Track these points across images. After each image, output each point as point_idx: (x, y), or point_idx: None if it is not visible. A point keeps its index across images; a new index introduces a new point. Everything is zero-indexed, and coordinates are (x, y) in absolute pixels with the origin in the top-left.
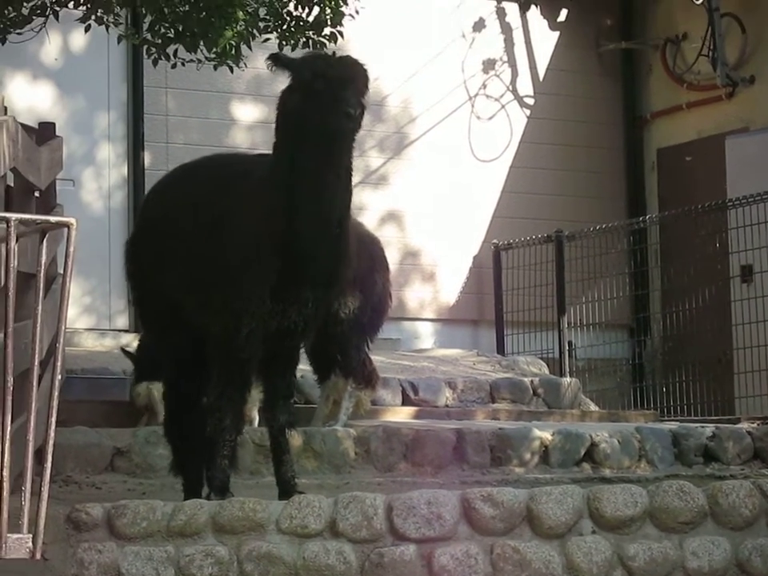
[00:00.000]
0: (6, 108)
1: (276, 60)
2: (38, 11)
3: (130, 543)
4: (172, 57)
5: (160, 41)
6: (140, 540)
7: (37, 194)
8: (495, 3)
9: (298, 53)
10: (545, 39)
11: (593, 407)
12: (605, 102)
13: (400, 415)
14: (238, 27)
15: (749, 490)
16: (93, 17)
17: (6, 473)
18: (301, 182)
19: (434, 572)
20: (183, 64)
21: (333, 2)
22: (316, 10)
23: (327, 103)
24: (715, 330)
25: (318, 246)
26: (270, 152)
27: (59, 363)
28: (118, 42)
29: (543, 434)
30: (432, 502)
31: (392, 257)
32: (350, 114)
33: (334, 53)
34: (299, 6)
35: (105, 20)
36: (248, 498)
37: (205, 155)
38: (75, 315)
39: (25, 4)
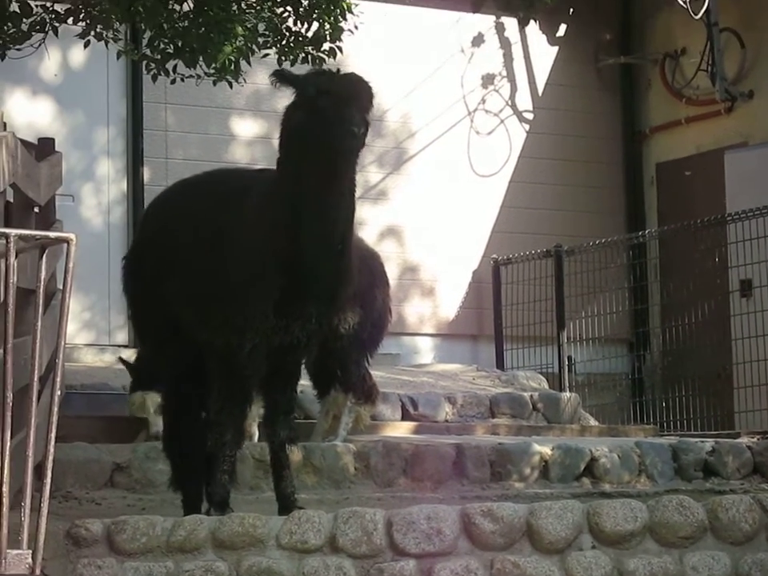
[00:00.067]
0: (5, 123)
1: (280, 76)
2: (38, 27)
3: (129, 559)
4: (171, 72)
5: (159, 56)
6: (140, 556)
7: (36, 209)
8: (494, 18)
9: (298, 68)
10: (544, 54)
11: (592, 422)
12: (604, 116)
13: (400, 430)
14: (237, 43)
15: (749, 505)
16: (92, 33)
17: (5, 488)
18: (305, 198)
19: None
20: (182, 79)
21: (332, 18)
22: (315, 25)
23: (331, 121)
24: (715, 344)
25: (321, 262)
26: (271, 167)
27: (59, 379)
28: (118, 58)
29: (543, 448)
30: (432, 517)
31: (391, 272)
32: (354, 133)
33: (338, 69)
34: (298, 22)
35: (104, 36)
36: (248, 513)
37: (205, 170)
38: (75, 331)
39: (24, 20)
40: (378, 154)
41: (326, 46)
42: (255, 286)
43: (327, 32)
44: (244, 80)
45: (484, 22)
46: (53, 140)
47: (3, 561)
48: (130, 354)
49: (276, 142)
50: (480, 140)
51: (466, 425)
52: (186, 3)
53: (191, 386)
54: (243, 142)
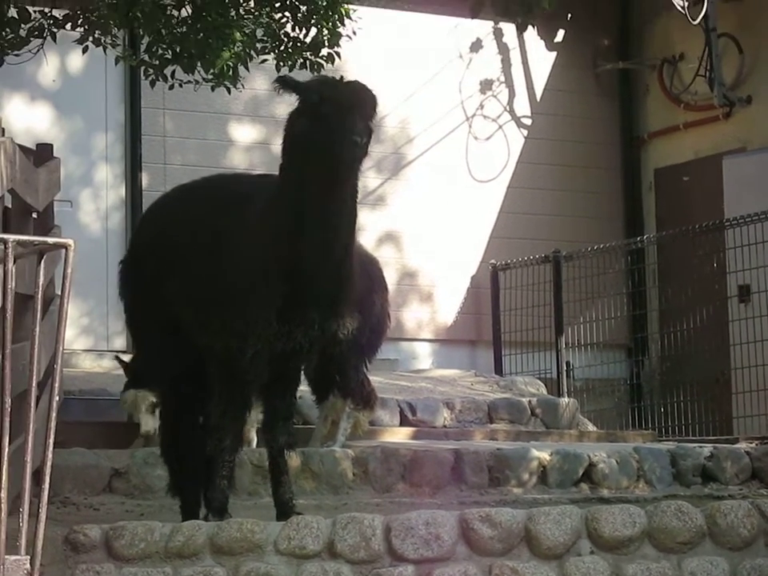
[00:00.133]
0: (3, 129)
1: (283, 83)
2: (36, 33)
3: (128, 564)
4: (169, 78)
5: (157, 62)
6: (138, 561)
7: (34, 215)
8: (492, 24)
9: (296, 74)
10: (542, 60)
11: (591, 427)
12: (602, 122)
13: (398, 436)
14: (236, 48)
15: (747, 510)
16: (90, 38)
17: (3, 494)
18: (307, 205)
19: None
20: (181, 85)
21: (330, 23)
22: (313, 31)
23: (334, 129)
24: (713, 349)
25: (324, 268)
26: (271, 173)
27: (57, 384)
28: (116, 64)
29: (541, 454)
30: (430, 523)
31: (390, 277)
32: (356, 142)
33: (341, 77)
34: (296, 27)
35: (102, 41)
36: (246, 518)
37: (204, 176)
38: (73, 336)
39: (23, 26)
40: (376, 159)
41: (325, 51)
42: (258, 292)
43: (325, 37)
44: (242, 85)
45: (482, 28)
46: (51, 146)
47: (1, 566)
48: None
49: (274, 148)
50: (478, 145)
51: (465, 430)
52: (184, 9)
53: (189, 391)
54: (241, 147)
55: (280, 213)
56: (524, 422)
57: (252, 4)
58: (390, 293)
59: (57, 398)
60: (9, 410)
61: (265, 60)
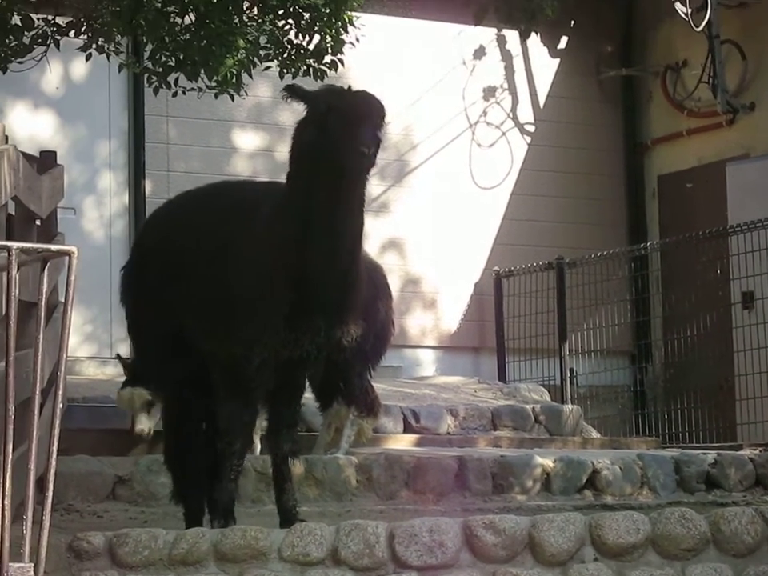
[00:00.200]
0: (7, 137)
1: (291, 92)
2: (39, 40)
3: (131, 572)
4: (173, 85)
5: (161, 69)
6: (142, 569)
7: (38, 222)
8: (495, 31)
9: (300, 81)
10: (545, 66)
11: (594, 434)
12: (605, 128)
13: (402, 443)
14: (239, 55)
15: (751, 517)
16: (94, 45)
17: (7, 501)
18: (314, 213)
19: None
20: (184, 92)
21: (333, 30)
22: (317, 38)
23: (341, 140)
24: (717, 356)
25: (331, 276)
26: (276, 180)
27: (60, 392)
28: (119, 71)
29: (545, 461)
30: (434, 530)
31: (393, 284)
32: (364, 153)
33: (349, 87)
34: (300, 34)
35: (106, 49)
36: (250, 526)
37: (208, 183)
38: (76, 344)
39: (26, 33)
40: (379, 166)
41: (328, 58)
42: (265, 300)
43: (329, 45)
44: (245, 93)
45: (485, 35)
46: (54, 153)
47: (5, 574)
48: None
49: (278, 155)
50: (481, 152)
51: (468, 437)
52: (187, 16)
53: (192, 397)
54: (245, 154)
55: (287, 221)
56: (528, 429)
57: (255, 11)
58: (394, 300)
59: (60, 406)
60: (12, 417)
61: (268, 67)
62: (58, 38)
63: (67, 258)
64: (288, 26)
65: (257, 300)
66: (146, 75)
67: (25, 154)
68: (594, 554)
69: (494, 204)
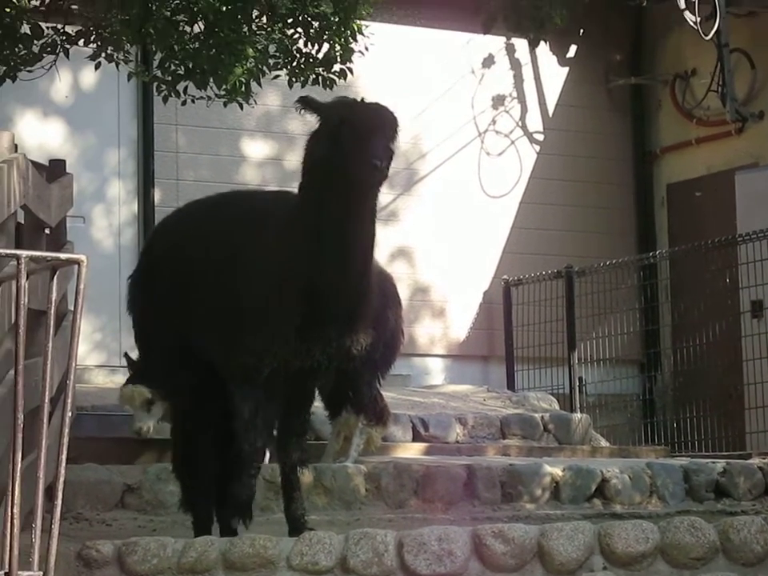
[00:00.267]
0: (16, 145)
1: (305, 103)
2: (49, 49)
3: None
4: (182, 94)
5: (170, 78)
6: None
7: (47, 230)
8: (504, 39)
9: (309, 89)
10: (554, 75)
11: (603, 443)
12: (614, 137)
13: (410, 451)
14: (248, 64)
15: (760, 526)
16: (103, 54)
17: (16, 510)
18: (326, 226)
19: None
20: (193, 101)
21: (342, 39)
22: (326, 46)
23: (354, 153)
24: (726, 365)
25: (342, 288)
26: (285, 189)
27: (69, 400)
28: (128, 80)
29: (554, 470)
30: (443, 539)
31: (402, 293)
32: (376, 166)
33: (362, 99)
34: (309, 43)
35: (115, 57)
36: (259, 534)
37: (218, 192)
38: (86, 352)
39: (35, 42)
40: (388, 174)
41: (337, 67)
42: (276, 310)
43: (338, 53)
44: (254, 101)
45: (494, 43)
46: (64, 161)
47: None
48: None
49: (286, 164)
50: (490, 161)
51: (477, 446)
52: (196, 25)
53: (200, 405)
54: (254, 163)
55: (299, 232)
56: (537, 438)
57: (264, 20)
58: (403, 308)
59: (69, 414)
60: (22, 425)
61: (277, 76)
62: (68, 46)
63: (76, 266)
64: (297, 35)
65: (268, 310)
66: (155, 84)
67: (34, 163)
68: (603, 563)
69: (503, 213)
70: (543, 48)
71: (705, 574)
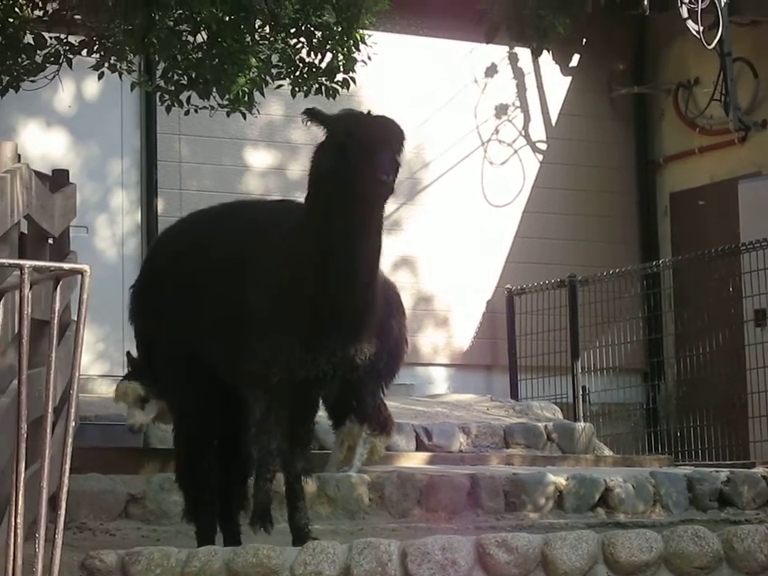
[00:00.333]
0: (19, 155)
1: (311, 115)
2: (52, 59)
3: None
4: (185, 103)
5: (173, 88)
6: None
7: (50, 240)
8: (507, 49)
9: (312, 99)
10: (557, 84)
11: (607, 452)
12: (617, 146)
13: (414, 461)
14: (251, 74)
15: (764, 535)
16: (106, 64)
17: (20, 520)
18: (332, 237)
19: None
20: (196, 111)
21: (345, 49)
22: (329, 56)
23: (360, 166)
24: (729, 374)
25: (348, 298)
26: (289, 199)
27: (73, 410)
28: (132, 89)
29: (557, 479)
30: (446, 548)
31: (406, 302)
32: (383, 180)
33: (369, 111)
34: (312, 53)
35: (118, 67)
36: (262, 544)
37: (221, 202)
38: (89, 362)
39: (38, 52)
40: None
41: (340, 77)
42: (282, 320)
43: (341, 63)
44: (257, 111)
45: (497, 53)
46: (67, 171)
47: None
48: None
49: (290, 173)
50: (493, 170)
51: (481, 455)
52: (199, 35)
53: (204, 415)
54: (257, 172)
55: (305, 243)
56: (540, 447)
57: (267, 30)
58: (407, 317)
59: (73, 424)
60: (25, 435)
61: (280, 86)
62: (71, 56)
63: (80, 276)
64: (300, 45)
65: (274, 320)
66: (158, 94)
67: (37, 173)
68: (606, 572)
69: (506, 222)
70: (546, 57)
71: None
